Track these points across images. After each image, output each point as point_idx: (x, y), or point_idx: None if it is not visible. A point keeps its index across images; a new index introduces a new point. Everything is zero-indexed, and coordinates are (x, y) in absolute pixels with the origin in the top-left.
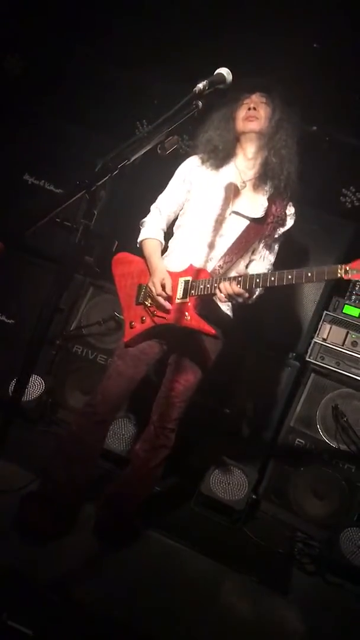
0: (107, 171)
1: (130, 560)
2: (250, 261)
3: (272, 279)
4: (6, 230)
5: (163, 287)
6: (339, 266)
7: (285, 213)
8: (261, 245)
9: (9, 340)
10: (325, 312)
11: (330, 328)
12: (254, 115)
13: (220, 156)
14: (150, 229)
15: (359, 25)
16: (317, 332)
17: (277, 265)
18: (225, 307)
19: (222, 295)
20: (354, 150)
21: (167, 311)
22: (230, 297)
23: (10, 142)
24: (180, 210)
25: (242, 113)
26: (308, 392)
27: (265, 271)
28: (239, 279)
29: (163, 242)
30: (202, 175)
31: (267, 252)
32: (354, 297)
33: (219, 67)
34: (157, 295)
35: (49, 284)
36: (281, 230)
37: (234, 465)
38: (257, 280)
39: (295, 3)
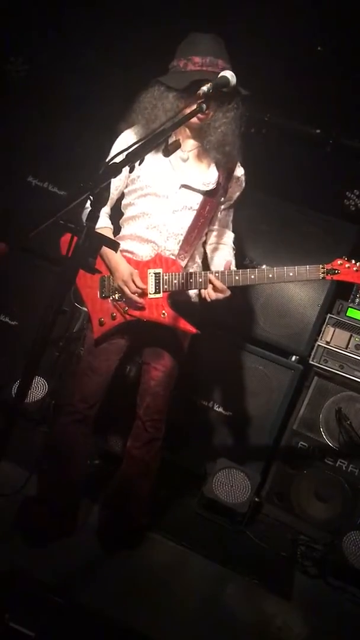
0: (110, 173)
1: (133, 563)
2: (209, 231)
3: (253, 276)
4: (10, 232)
5: (135, 283)
6: (320, 266)
7: (237, 176)
8: (219, 215)
9: (12, 342)
10: (328, 315)
11: (334, 331)
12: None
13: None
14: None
15: None
16: (321, 335)
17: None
18: (194, 296)
19: (208, 299)
20: (357, 153)
21: (140, 308)
22: (215, 300)
23: (14, 145)
24: (125, 189)
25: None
26: (311, 395)
27: (230, 243)
28: (216, 274)
29: (112, 226)
30: None
31: (228, 220)
32: (357, 300)
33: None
34: (133, 292)
35: (52, 286)
36: (235, 195)
37: (237, 468)
38: (237, 277)
39: (297, 6)
